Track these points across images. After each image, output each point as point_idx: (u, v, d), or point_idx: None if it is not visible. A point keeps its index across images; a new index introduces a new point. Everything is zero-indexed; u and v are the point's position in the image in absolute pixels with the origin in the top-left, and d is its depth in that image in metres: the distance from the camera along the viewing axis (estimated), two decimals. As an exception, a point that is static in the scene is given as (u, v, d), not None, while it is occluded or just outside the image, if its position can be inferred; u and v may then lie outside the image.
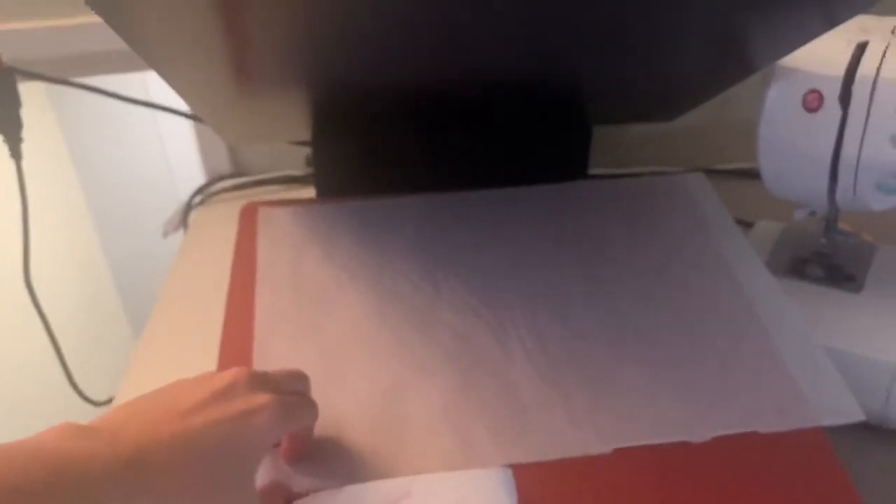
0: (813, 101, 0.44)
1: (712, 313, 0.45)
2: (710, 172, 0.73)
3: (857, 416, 0.39)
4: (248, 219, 0.55)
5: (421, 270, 0.48)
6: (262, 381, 0.34)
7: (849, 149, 0.44)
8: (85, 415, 0.54)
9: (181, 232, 0.75)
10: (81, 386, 0.73)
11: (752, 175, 0.71)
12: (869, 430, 0.47)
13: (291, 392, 0.35)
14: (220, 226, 0.70)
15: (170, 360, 0.54)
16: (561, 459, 0.36)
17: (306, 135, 0.65)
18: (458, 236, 0.52)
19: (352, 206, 0.56)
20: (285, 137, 0.73)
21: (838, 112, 0.44)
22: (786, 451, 0.37)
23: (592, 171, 0.66)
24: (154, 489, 0.29)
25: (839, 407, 0.39)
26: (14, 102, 0.63)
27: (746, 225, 0.61)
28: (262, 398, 0.32)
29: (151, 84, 0.89)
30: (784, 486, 0.36)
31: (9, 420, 0.88)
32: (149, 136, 1.09)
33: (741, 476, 0.36)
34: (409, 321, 0.44)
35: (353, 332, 0.43)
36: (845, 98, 0.43)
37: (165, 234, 0.76)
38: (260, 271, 0.48)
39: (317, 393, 0.37)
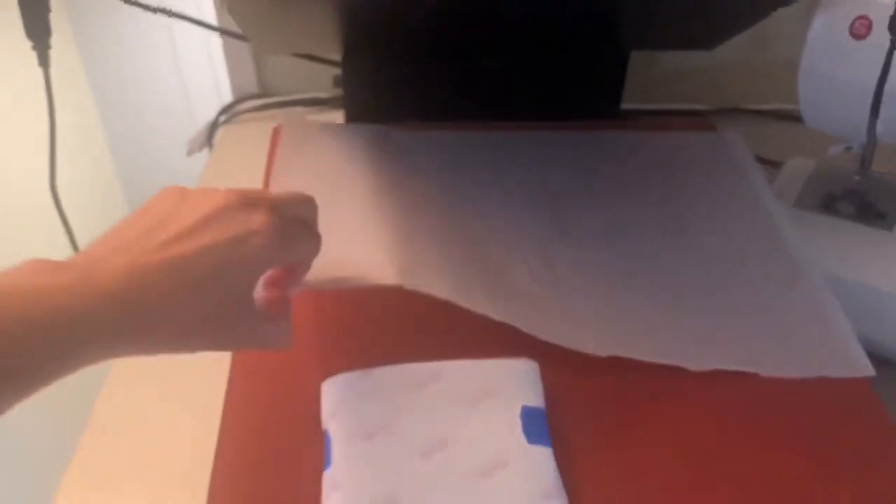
0: (861, 28, 0.43)
1: (730, 259, 0.45)
2: (745, 112, 0.72)
3: (867, 370, 0.39)
4: (279, 139, 0.55)
5: (441, 197, 0.48)
6: (258, 202, 0.30)
7: (890, 81, 0.43)
8: None
9: (204, 151, 0.75)
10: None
11: (789, 117, 0.70)
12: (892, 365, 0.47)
13: (294, 218, 0.31)
14: (245, 145, 0.70)
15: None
16: (588, 365, 0.37)
17: (337, 52, 0.64)
18: (484, 175, 0.51)
19: (379, 130, 0.56)
20: (316, 50, 0.72)
21: (887, 39, 0.42)
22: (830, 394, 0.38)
23: (626, 105, 0.65)
24: (141, 323, 0.26)
25: (848, 359, 0.39)
26: (44, 8, 0.62)
27: (779, 165, 0.61)
28: (259, 219, 0.29)
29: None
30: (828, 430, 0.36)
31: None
32: (165, 55, 1.08)
33: (785, 418, 0.37)
34: (425, 226, 0.43)
35: (364, 225, 0.42)
36: (894, 25, 0.42)
37: (190, 152, 0.76)
38: (275, 170, 0.48)
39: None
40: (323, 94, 0.74)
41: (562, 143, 0.56)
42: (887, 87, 0.44)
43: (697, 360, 0.37)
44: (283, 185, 0.46)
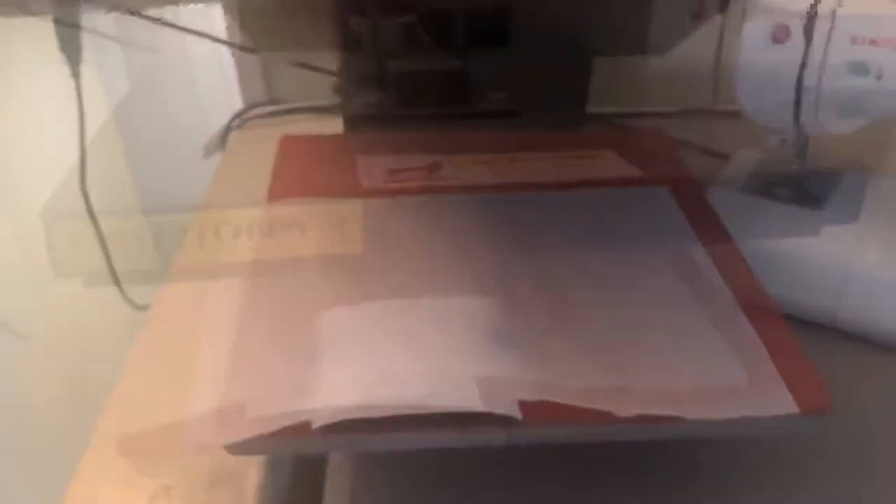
0: (781, 34, 0.50)
1: (655, 304, 0.45)
2: (704, 112, 0.80)
3: (790, 407, 0.38)
4: (285, 149, 0.62)
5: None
6: None
7: (810, 76, 0.50)
8: (131, 318, 0.62)
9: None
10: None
11: (736, 115, 0.78)
12: (823, 330, 0.54)
13: None
14: (255, 148, 0.78)
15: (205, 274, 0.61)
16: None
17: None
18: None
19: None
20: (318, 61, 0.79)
21: (802, 43, 0.50)
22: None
23: (593, 109, 0.73)
24: None
25: (774, 399, 0.39)
26: (76, 24, 0.70)
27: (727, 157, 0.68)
28: None
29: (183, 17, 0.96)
30: None
31: (57, 324, 0.97)
32: (177, 65, 1.15)
33: None
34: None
35: None
36: (808, 31, 0.49)
37: (206, 154, 0.83)
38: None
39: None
40: (326, 102, 0.82)
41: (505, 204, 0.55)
42: (805, 85, 0.51)
43: (624, 405, 0.37)
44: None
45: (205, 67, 1.10)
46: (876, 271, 0.51)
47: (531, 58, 0.69)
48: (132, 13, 0.74)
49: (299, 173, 0.58)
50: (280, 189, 0.55)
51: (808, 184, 0.59)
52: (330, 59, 0.77)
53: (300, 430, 0.36)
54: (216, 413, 0.37)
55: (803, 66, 0.50)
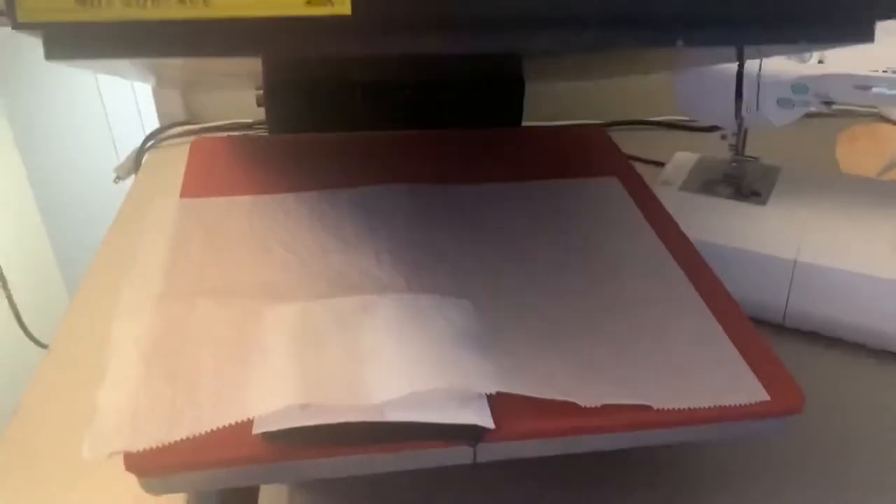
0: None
1: (618, 296, 0.42)
2: (638, 123, 0.80)
3: (761, 395, 0.36)
4: (197, 152, 0.58)
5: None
6: None
7: (750, 66, 0.50)
8: (34, 356, 0.56)
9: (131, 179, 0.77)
10: (31, 327, 0.74)
11: (675, 126, 0.78)
12: (773, 329, 0.53)
13: None
14: (170, 168, 0.72)
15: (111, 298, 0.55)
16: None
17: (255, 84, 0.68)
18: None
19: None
20: (235, 88, 0.76)
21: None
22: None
23: (528, 123, 0.71)
24: None
25: (739, 386, 0.36)
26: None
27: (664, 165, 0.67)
28: None
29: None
30: None
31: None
32: (87, 85, 1.10)
33: None
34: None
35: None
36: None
37: (118, 179, 0.77)
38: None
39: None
40: (248, 119, 0.78)
41: (451, 195, 0.52)
42: (745, 75, 0.50)
43: (588, 395, 0.34)
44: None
45: (116, 87, 1.05)
46: (823, 262, 0.51)
47: (461, 82, 0.67)
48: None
49: (212, 173, 0.53)
50: (191, 188, 0.51)
51: (745, 180, 0.59)
52: (250, 79, 0.74)
53: (230, 450, 0.32)
54: (124, 416, 0.32)
55: (741, 56, 0.49)
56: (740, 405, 0.35)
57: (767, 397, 0.36)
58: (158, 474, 0.32)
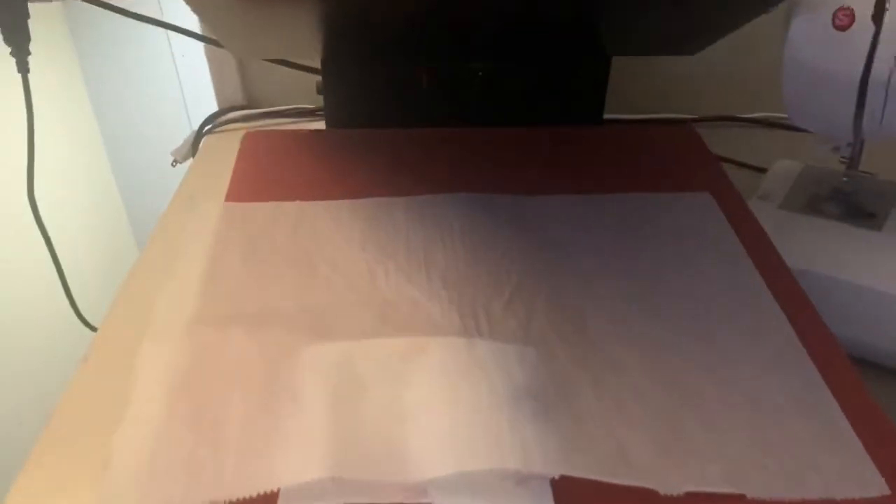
0: (844, 19, 0.42)
1: (706, 343, 0.36)
2: (732, 120, 0.72)
3: (879, 487, 0.30)
4: (247, 147, 0.54)
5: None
6: None
7: (880, 69, 0.42)
8: (84, 339, 0.53)
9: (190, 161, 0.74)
10: (84, 310, 0.73)
11: (776, 125, 0.70)
12: (888, 372, 0.46)
13: None
14: (227, 155, 0.69)
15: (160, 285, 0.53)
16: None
17: (316, 58, 0.64)
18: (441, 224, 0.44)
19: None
20: (296, 56, 0.71)
21: (870, 30, 0.42)
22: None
23: (609, 115, 0.65)
24: None
25: (853, 472, 0.30)
26: (22, 13, 0.62)
27: (761, 171, 0.60)
28: None
29: (166, 6, 0.88)
30: None
31: (8, 344, 0.88)
32: (164, 61, 1.08)
33: None
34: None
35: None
36: (878, 15, 0.41)
37: (175, 162, 0.75)
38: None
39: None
40: (308, 105, 0.74)
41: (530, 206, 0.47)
42: (872, 79, 0.43)
43: (669, 480, 0.29)
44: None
45: (193, 67, 1.03)
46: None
47: (539, 58, 0.61)
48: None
49: (261, 171, 0.49)
50: (238, 191, 0.47)
51: (858, 198, 0.51)
52: (312, 57, 0.69)
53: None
54: (140, 469, 0.28)
55: (871, 57, 0.42)
56: (854, 500, 0.29)
57: (888, 491, 0.30)
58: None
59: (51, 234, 0.69)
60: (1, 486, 0.38)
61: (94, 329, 0.73)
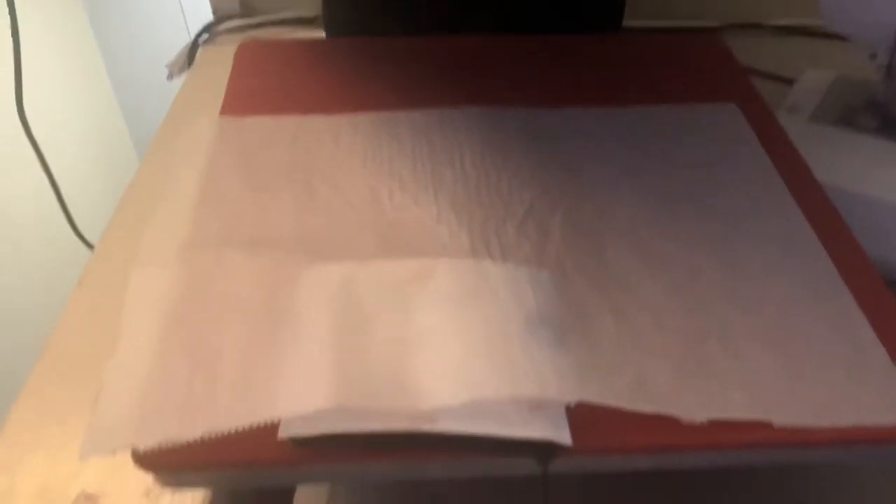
0: None
1: (732, 265, 0.34)
2: (759, 28, 0.68)
3: None
4: (243, 58, 0.51)
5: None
6: None
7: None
8: (81, 257, 0.52)
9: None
10: (81, 227, 0.71)
11: (804, 32, 0.66)
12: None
13: None
14: (223, 66, 0.66)
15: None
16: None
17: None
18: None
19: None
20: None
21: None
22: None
23: (629, 23, 0.61)
24: None
25: (887, 398, 0.29)
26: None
27: (793, 83, 0.56)
28: None
29: None
30: None
31: (5, 264, 0.86)
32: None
33: None
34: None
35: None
36: None
37: (170, 76, 0.71)
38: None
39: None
40: (307, 13, 0.70)
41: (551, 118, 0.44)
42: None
43: (692, 407, 0.28)
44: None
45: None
46: None
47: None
48: None
49: (258, 84, 0.46)
50: (233, 105, 0.44)
51: (895, 109, 0.48)
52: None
53: (254, 450, 0.27)
54: (132, 402, 0.27)
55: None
56: (888, 427, 0.28)
57: None
58: (171, 470, 0.28)
59: (48, 150, 0.66)
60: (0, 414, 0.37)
61: (92, 246, 0.72)
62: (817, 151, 0.45)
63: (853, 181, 0.43)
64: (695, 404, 0.28)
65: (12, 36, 0.61)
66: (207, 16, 0.73)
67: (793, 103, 0.50)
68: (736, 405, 0.28)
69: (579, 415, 0.27)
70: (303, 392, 0.26)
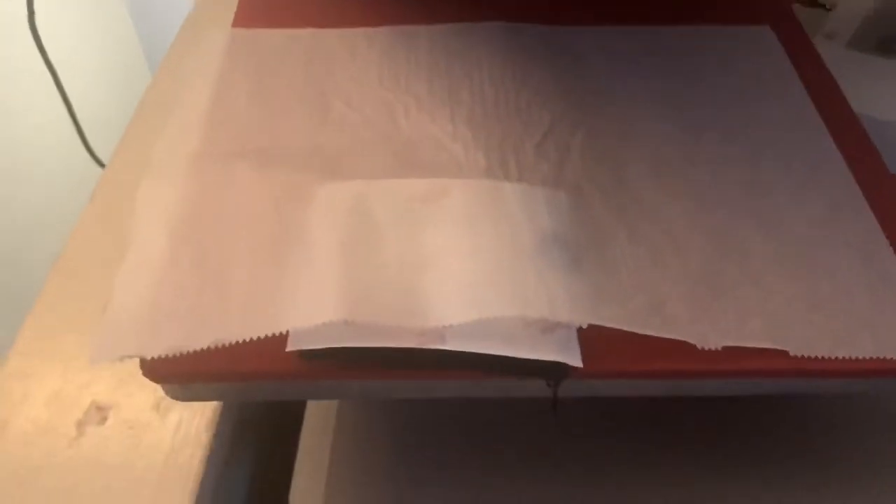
0: None
1: (757, 191, 0.33)
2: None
3: None
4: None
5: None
6: None
7: None
8: (94, 176, 0.51)
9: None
10: (94, 147, 0.71)
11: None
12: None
13: None
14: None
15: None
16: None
17: None
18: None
19: None
20: None
21: None
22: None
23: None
24: None
25: None
26: None
27: (832, 9, 0.54)
28: None
29: None
30: None
31: (19, 182, 0.86)
32: None
33: None
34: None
35: None
36: None
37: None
38: None
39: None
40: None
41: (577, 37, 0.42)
42: None
43: (708, 333, 0.27)
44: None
45: None
46: None
47: None
48: None
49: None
50: (246, 16, 0.43)
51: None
52: None
53: (263, 363, 0.26)
54: (141, 311, 0.27)
55: None
56: None
57: None
58: (179, 382, 0.28)
59: (62, 69, 0.65)
60: (13, 327, 0.37)
61: (104, 165, 0.71)
62: (854, 79, 0.43)
63: (889, 110, 0.42)
64: (711, 330, 0.27)
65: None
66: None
67: (831, 30, 0.48)
68: (753, 332, 0.27)
69: (592, 337, 0.26)
70: (311, 305, 0.26)
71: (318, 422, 0.36)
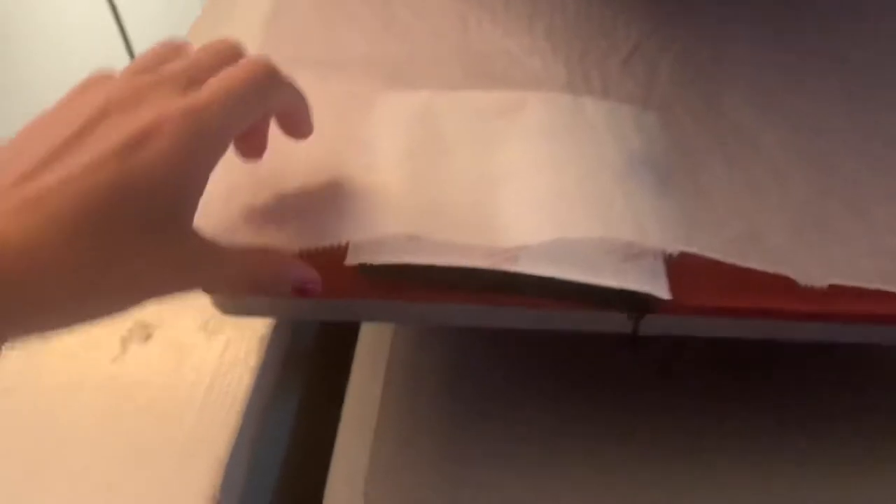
0: None
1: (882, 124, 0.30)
2: None
3: None
4: None
5: None
6: (153, 87, 0.21)
7: None
8: None
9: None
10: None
11: None
12: None
13: (226, 80, 0.22)
14: None
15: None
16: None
17: None
18: None
19: None
20: None
21: None
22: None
23: None
24: (17, 294, 0.18)
25: None
26: None
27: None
28: (152, 112, 0.20)
29: None
30: None
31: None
32: None
33: None
34: None
35: None
36: None
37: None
38: None
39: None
40: None
41: None
42: None
43: (811, 270, 0.24)
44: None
45: None
46: None
47: None
48: None
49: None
50: None
51: None
52: None
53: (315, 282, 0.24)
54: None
55: None
56: None
57: None
58: (231, 294, 0.26)
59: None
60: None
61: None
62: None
63: None
64: (815, 266, 0.24)
65: None
66: None
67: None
68: (863, 273, 0.24)
69: (680, 267, 0.24)
70: (374, 217, 0.24)
71: (370, 356, 0.34)
